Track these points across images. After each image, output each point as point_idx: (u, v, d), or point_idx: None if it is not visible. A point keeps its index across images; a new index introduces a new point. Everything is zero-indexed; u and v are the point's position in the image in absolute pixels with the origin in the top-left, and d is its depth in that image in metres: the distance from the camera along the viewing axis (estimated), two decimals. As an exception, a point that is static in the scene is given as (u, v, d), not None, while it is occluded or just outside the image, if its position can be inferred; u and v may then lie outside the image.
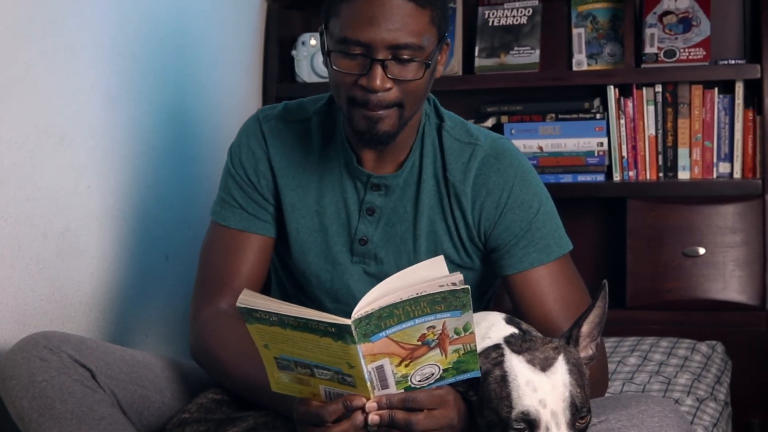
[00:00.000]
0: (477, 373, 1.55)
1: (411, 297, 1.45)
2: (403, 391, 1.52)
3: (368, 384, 1.49)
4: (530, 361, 1.57)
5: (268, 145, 2.00)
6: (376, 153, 1.94)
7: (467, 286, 1.46)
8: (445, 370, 1.53)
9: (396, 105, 1.81)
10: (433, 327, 1.48)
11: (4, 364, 1.86)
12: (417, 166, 1.97)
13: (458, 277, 1.48)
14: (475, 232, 1.96)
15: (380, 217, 1.98)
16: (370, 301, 1.46)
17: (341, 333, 1.44)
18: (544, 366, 1.57)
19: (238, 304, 1.48)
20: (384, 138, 1.85)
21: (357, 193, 1.98)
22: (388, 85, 1.78)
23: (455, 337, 1.50)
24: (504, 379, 1.57)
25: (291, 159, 2.00)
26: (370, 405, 1.51)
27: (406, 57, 1.78)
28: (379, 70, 1.77)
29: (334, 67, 1.81)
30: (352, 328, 1.43)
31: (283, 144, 2.00)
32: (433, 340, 1.49)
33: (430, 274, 1.50)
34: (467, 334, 1.50)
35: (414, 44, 1.77)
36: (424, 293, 1.45)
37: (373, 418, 1.51)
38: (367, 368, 1.47)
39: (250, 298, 1.49)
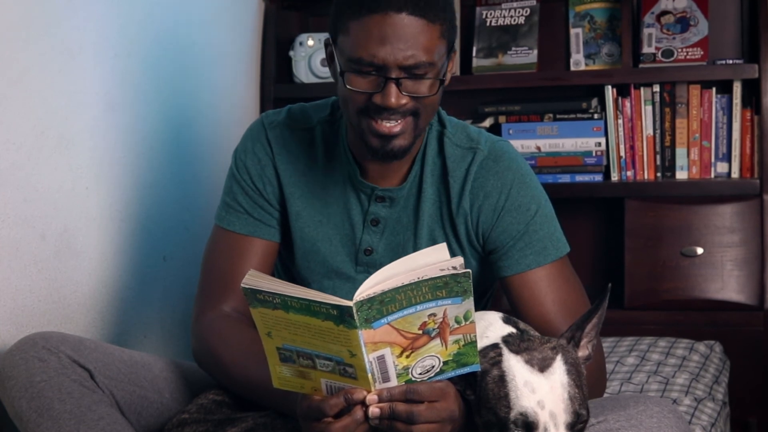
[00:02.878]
0: (477, 367, 1.55)
1: (412, 281, 1.46)
2: (404, 384, 1.52)
3: (369, 376, 1.49)
4: (528, 362, 1.57)
5: (274, 153, 2.00)
6: (380, 166, 1.93)
7: (468, 270, 1.47)
8: (445, 363, 1.53)
9: (411, 114, 1.81)
10: (434, 315, 1.49)
11: (3, 365, 1.86)
12: (419, 176, 1.97)
13: (459, 260, 1.49)
14: (473, 234, 1.96)
15: (384, 227, 1.98)
16: (372, 285, 1.47)
17: (343, 316, 1.45)
18: (542, 366, 1.57)
19: (242, 285, 1.49)
20: (399, 152, 1.85)
21: (361, 204, 1.98)
22: (403, 101, 1.78)
23: (456, 326, 1.51)
24: (502, 379, 1.57)
25: (296, 168, 2.00)
26: (371, 397, 1.51)
27: (419, 73, 1.77)
28: (393, 88, 1.77)
29: (347, 86, 1.80)
30: (354, 310, 1.44)
31: (289, 152, 2.00)
32: (433, 329, 1.50)
33: (432, 260, 1.51)
34: (467, 323, 1.51)
35: (426, 62, 1.76)
36: (425, 277, 1.46)
37: (374, 410, 1.51)
38: (368, 358, 1.48)
39: (255, 279, 1.49)
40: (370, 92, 1.78)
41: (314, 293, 1.47)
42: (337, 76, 1.83)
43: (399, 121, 1.81)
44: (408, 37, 1.75)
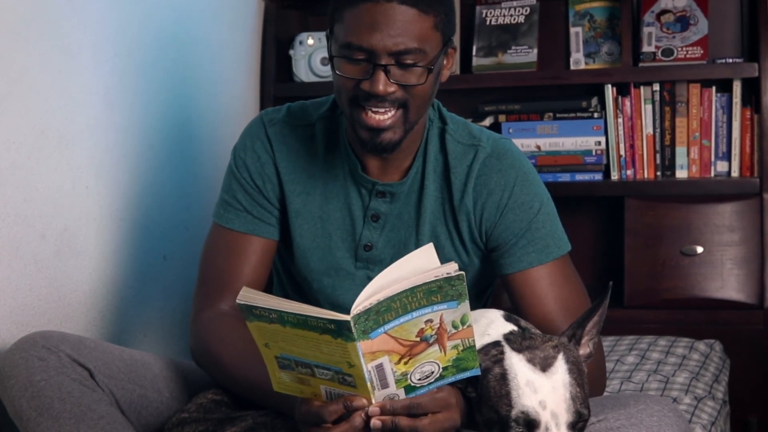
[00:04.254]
0: (477, 371, 1.55)
1: (407, 288, 1.46)
2: (403, 390, 1.52)
3: (368, 384, 1.49)
4: (530, 360, 1.57)
5: (274, 150, 2.00)
6: (381, 160, 1.94)
7: (462, 273, 1.47)
8: (444, 369, 1.53)
9: (400, 105, 1.81)
10: (431, 321, 1.48)
11: (3, 364, 1.86)
12: (420, 172, 1.97)
13: (453, 266, 1.49)
14: (476, 232, 1.96)
15: (385, 223, 1.98)
16: (368, 296, 1.47)
17: (340, 330, 1.44)
18: (544, 366, 1.57)
19: (237, 301, 1.49)
20: (389, 146, 1.85)
21: (362, 199, 1.98)
22: (391, 89, 1.79)
23: (453, 331, 1.50)
24: (504, 378, 1.57)
25: (296, 164, 2.00)
26: (373, 410, 1.51)
27: (408, 62, 1.78)
28: (381, 75, 1.77)
29: (337, 72, 1.81)
30: (351, 324, 1.43)
31: (289, 149, 2.00)
32: (431, 336, 1.50)
33: (423, 262, 1.51)
34: (465, 327, 1.51)
35: (416, 49, 1.77)
36: (419, 283, 1.46)
37: (376, 423, 1.51)
38: (367, 367, 1.48)
39: (249, 295, 1.49)
40: (359, 78, 1.79)
41: (310, 308, 1.47)
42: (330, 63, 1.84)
43: (388, 114, 1.81)
44: (398, 25, 1.76)
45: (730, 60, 3.10)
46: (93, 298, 2.45)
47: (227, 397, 1.89)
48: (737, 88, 3.08)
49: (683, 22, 3.15)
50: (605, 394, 1.97)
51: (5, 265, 2.16)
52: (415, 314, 1.48)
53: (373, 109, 1.81)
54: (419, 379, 1.53)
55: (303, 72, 3.35)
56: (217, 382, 1.92)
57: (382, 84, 1.78)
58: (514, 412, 1.54)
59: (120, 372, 1.92)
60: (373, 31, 1.75)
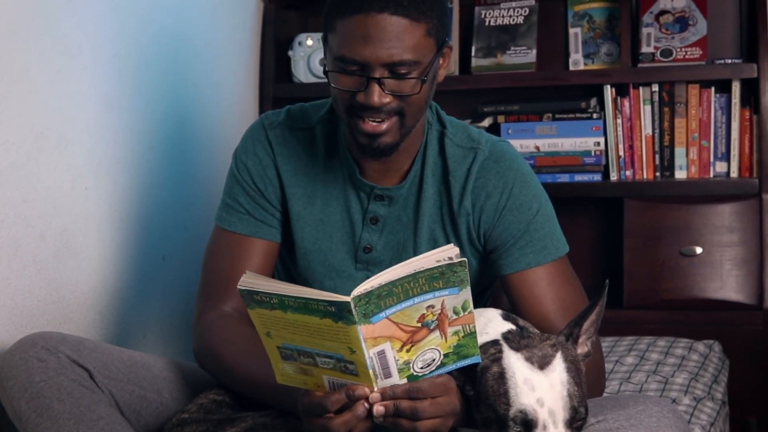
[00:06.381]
0: (477, 359, 1.56)
1: (409, 273, 1.46)
2: (406, 380, 1.52)
3: (370, 372, 1.49)
4: (528, 359, 1.58)
5: (275, 153, 2.00)
6: (379, 164, 1.94)
7: (464, 259, 1.48)
8: (445, 356, 1.54)
9: (396, 114, 1.82)
10: (432, 306, 1.49)
11: (2, 365, 1.86)
12: (419, 175, 1.97)
13: (455, 251, 1.50)
14: (475, 234, 1.97)
15: (384, 225, 1.98)
16: (370, 281, 1.47)
17: (341, 312, 1.45)
18: (542, 364, 1.57)
19: (239, 286, 1.49)
20: (386, 149, 1.86)
21: (361, 203, 1.98)
22: (386, 100, 1.79)
23: (454, 317, 1.51)
24: (502, 376, 1.57)
25: (297, 167, 2.00)
26: (374, 396, 1.52)
27: (402, 72, 1.78)
28: (376, 87, 1.78)
29: (332, 84, 1.82)
30: (352, 305, 1.44)
31: (289, 152, 2.00)
32: (432, 321, 1.50)
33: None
34: (466, 314, 1.51)
35: (409, 60, 1.77)
36: (422, 269, 1.47)
37: (378, 409, 1.52)
38: (369, 353, 1.48)
39: (251, 280, 1.50)
40: (354, 91, 1.79)
41: (311, 291, 1.47)
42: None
43: (385, 121, 1.82)
44: (391, 37, 1.76)
45: (729, 61, 3.10)
46: (93, 298, 2.45)
47: (228, 397, 1.89)
48: (736, 88, 3.08)
49: (682, 22, 3.15)
50: (604, 394, 1.97)
51: (4, 266, 2.16)
52: (417, 299, 1.48)
53: (370, 118, 1.81)
54: (421, 368, 1.53)
55: (302, 73, 3.35)
56: (220, 382, 1.92)
57: (377, 96, 1.78)
58: (512, 411, 1.54)
59: (119, 373, 1.92)
60: (365, 44, 1.76)
